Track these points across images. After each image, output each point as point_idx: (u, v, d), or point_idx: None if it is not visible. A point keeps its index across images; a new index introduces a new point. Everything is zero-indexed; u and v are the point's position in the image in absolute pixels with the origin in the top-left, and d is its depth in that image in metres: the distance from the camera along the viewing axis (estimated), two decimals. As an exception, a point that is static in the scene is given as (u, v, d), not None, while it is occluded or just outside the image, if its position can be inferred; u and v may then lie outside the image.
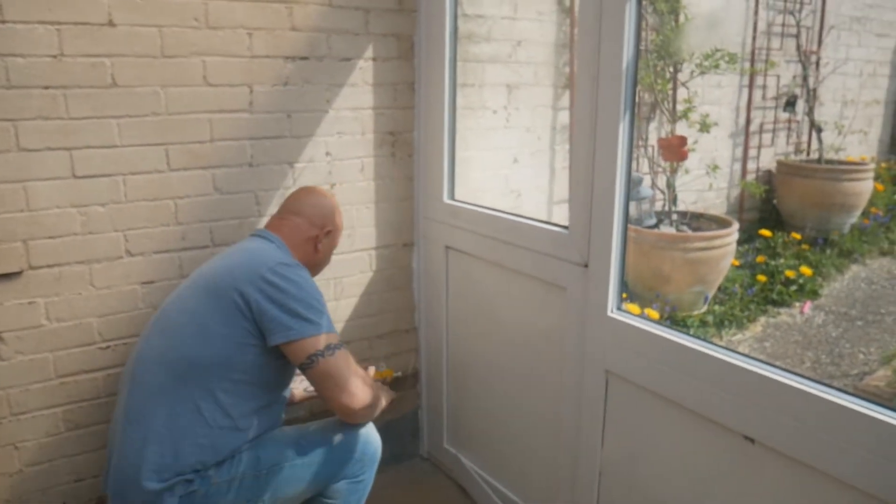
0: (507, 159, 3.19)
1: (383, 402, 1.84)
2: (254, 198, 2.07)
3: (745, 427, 1.38)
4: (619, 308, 1.68)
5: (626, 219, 1.65)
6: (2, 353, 1.80)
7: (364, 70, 2.22)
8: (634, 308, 1.75)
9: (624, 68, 1.56)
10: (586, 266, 1.71)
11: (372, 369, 2.10)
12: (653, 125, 4.40)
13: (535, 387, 2.01)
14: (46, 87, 1.75)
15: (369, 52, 2.22)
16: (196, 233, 2.00)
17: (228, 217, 2.04)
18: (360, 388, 1.67)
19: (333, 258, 2.23)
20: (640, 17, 1.60)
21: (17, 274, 1.78)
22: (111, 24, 1.80)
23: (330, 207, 1.88)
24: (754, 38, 4.99)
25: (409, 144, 2.36)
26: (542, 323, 1.94)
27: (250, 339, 1.61)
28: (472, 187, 2.93)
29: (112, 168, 1.85)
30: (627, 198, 1.63)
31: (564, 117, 3.50)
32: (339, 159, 2.22)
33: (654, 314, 3.29)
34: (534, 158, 3.35)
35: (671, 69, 4.23)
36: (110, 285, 1.91)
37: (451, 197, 2.29)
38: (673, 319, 3.61)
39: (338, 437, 1.75)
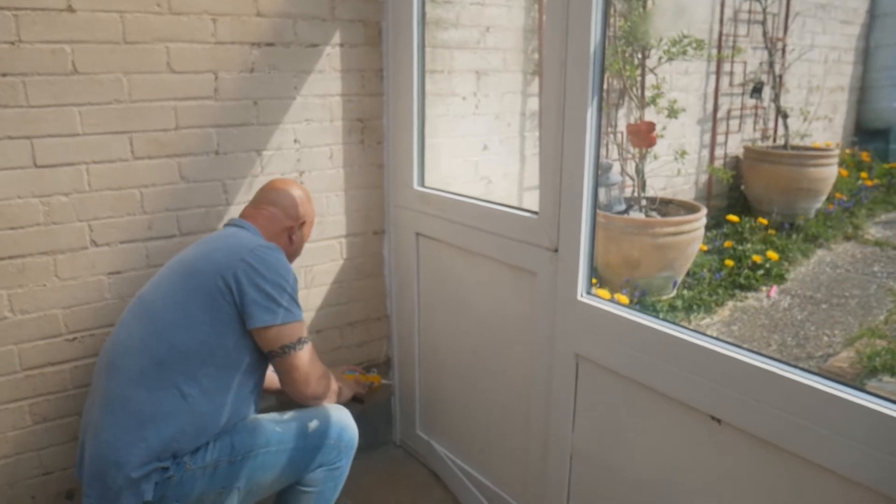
0: (477, 146, 3.19)
1: (338, 396, 1.89)
2: (221, 186, 2.05)
3: (712, 408, 1.40)
4: (588, 293, 1.70)
5: (595, 204, 1.66)
6: (-37, 347, 1.77)
7: (331, 56, 2.20)
8: (604, 293, 1.77)
9: (592, 53, 1.57)
10: (556, 251, 1.73)
11: (353, 374, 2.19)
12: (621, 111, 4.43)
13: (505, 372, 2.02)
14: (4, 75, 1.70)
15: (336, 38, 2.20)
16: (162, 222, 1.97)
17: (195, 206, 2.02)
18: (319, 380, 1.75)
19: (304, 246, 2.22)
20: (607, 2, 1.61)
21: (-22, 266, 1.75)
22: (70, 9, 1.76)
23: (304, 199, 1.91)
24: (721, 25, 5.05)
25: (378, 131, 2.34)
26: (512, 308, 1.95)
27: (232, 324, 1.62)
28: (443, 174, 2.93)
29: (75, 157, 1.82)
30: (596, 183, 1.65)
31: (534, 104, 3.50)
32: (308, 147, 2.20)
33: (624, 299, 3.33)
34: (503, 145, 3.35)
35: (639, 55, 4.26)
36: (75, 276, 1.87)
37: (421, 184, 2.28)
38: (642, 304, 3.66)
39: (313, 424, 1.76)
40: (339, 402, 1.89)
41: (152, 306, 1.66)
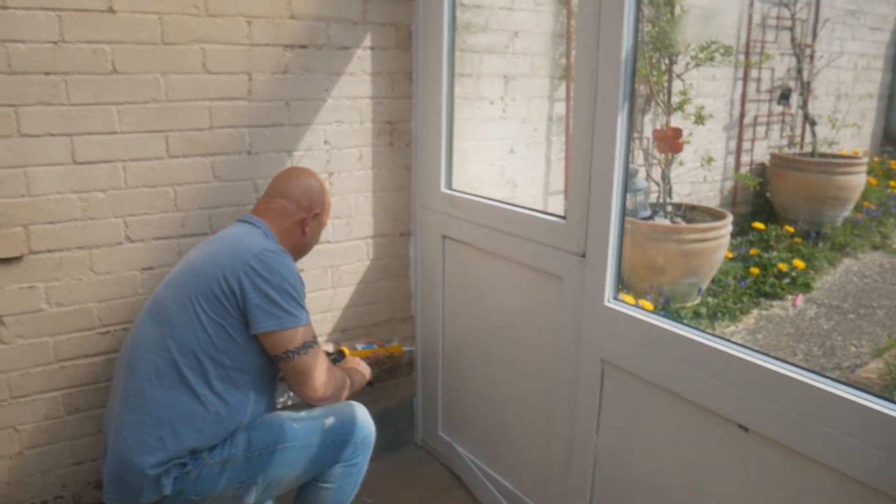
0: (504, 150, 3.21)
1: (350, 390, 1.89)
2: (252, 185, 2.08)
3: (739, 416, 1.40)
4: (615, 298, 1.70)
5: (624, 209, 1.67)
6: (2, 337, 1.81)
7: (362, 59, 2.22)
8: (629, 298, 1.76)
9: (623, 59, 1.58)
10: (583, 256, 1.73)
11: (359, 348, 2.18)
12: (648, 117, 4.42)
13: (530, 375, 2.03)
14: (47, 73, 1.75)
15: (367, 41, 2.22)
16: (195, 219, 2.01)
17: (227, 204, 2.05)
18: (324, 383, 1.75)
19: (330, 246, 2.25)
20: (639, 8, 1.61)
21: (18, 259, 1.79)
22: (111, 10, 1.80)
23: (317, 189, 1.89)
24: (749, 31, 5.01)
25: (406, 134, 2.37)
26: (537, 312, 1.96)
27: (239, 326, 1.65)
28: (469, 177, 2.94)
29: (112, 154, 1.86)
30: (625, 188, 1.65)
31: (561, 108, 3.51)
32: (338, 148, 2.23)
33: (648, 305, 3.32)
34: (530, 149, 3.37)
35: (666, 61, 4.25)
36: (110, 271, 1.92)
37: (449, 186, 2.30)
38: (666, 310, 3.64)
39: (329, 421, 1.78)
40: (353, 391, 1.90)
41: (163, 307, 1.68)
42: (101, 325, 1.94)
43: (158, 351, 1.64)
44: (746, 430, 1.39)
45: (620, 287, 1.75)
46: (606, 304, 1.70)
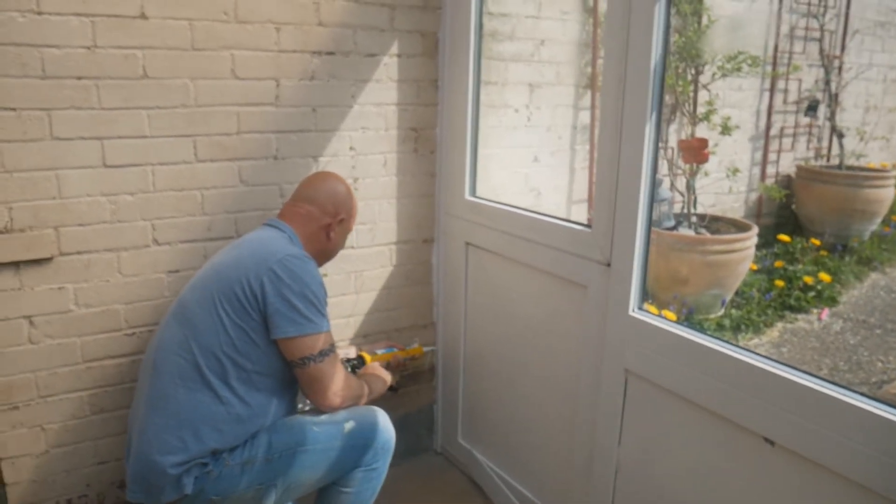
0: (528, 158, 3.20)
1: (366, 398, 1.89)
2: (278, 190, 2.10)
3: (765, 429, 1.38)
4: (640, 308, 1.69)
5: (651, 219, 1.65)
6: (31, 337, 1.84)
7: (389, 66, 2.23)
8: (652, 309, 1.75)
9: (652, 69, 1.57)
10: (608, 265, 1.72)
11: (379, 352, 2.17)
12: (672, 127, 4.39)
13: (552, 383, 2.02)
14: (80, 78, 1.78)
15: (394, 49, 2.23)
16: (221, 223, 2.03)
17: (253, 209, 2.07)
18: (339, 392, 1.76)
19: (354, 252, 2.26)
20: (668, 18, 1.61)
21: (48, 260, 1.82)
22: (143, 16, 1.83)
23: (344, 194, 1.89)
24: (777, 41, 4.96)
25: (431, 141, 2.37)
26: (560, 320, 1.95)
27: (260, 330, 1.66)
28: (492, 185, 2.94)
29: (141, 158, 1.88)
30: (652, 198, 1.64)
31: (585, 117, 3.50)
32: (363, 154, 2.24)
33: (671, 316, 3.28)
34: (554, 158, 3.36)
35: (693, 71, 4.22)
36: (137, 273, 1.94)
37: (473, 194, 2.30)
38: (689, 322, 3.60)
39: (349, 426, 1.79)
40: (372, 398, 1.91)
41: (187, 309, 1.70)
42: (128, 327, 1.96)
43: (182, 353, 1.65)
44: (773, 443, 1.37)
45: (644, 297, 1.73)
46: (631, 313, 1.69)
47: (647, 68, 1.57)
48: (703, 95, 4.29)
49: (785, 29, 5.00)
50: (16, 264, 1.78)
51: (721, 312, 3.81)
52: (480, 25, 2.25)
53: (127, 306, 1.95)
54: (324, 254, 1.90)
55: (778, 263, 4.38)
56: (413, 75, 2.29)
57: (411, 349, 2.27)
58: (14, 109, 1.72)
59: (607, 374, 1.76)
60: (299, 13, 2.03)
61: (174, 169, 1.93)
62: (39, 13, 1.71)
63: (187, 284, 1.79)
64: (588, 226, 1.81)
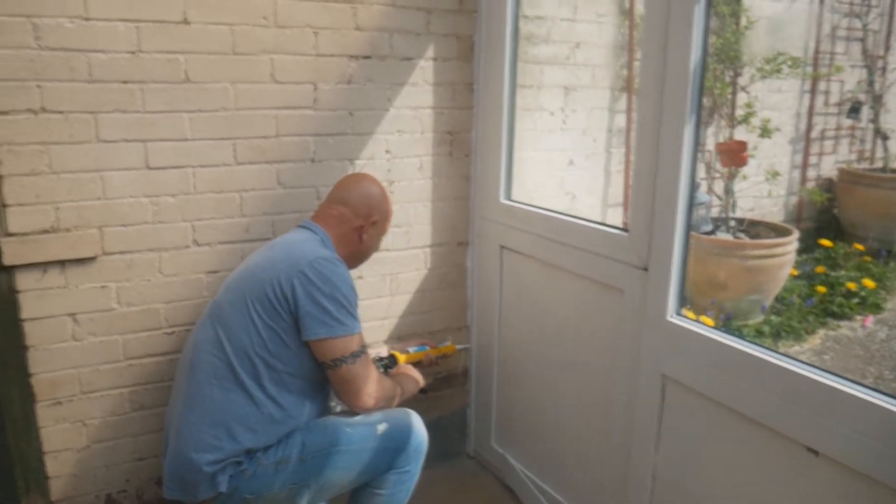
0: (563, 161, 3.19)
1: (399, 399, 1.90)
2: (315, 193, 2.12)
3: (808, 438, 1.35)
4: (678, 313, 1.67)
5: (689, 223, 1.63)
6: (75, 334, 1.88)
7: (424, 69, 2.24)
8: (689, 314, 1.72)
9: (691, 71, 1.55)
10: (646, 269, 1.70)
11: (409, 351, 2.17)
12: (710, 129, 4.33)
13: (587, 388, 2.00)
14: (125, 82, 1.82)
15: (430, 52, 2.24)
16: (259, 225, 2.05)
17: (290, 211, 2.09)
18: (372, 394, 1.76)
19: (389, 254, 2.27)
20: (708, 20, 1.59)
21: (92, 259, 1.86)
22: (186, 21, 1.87)
23: (377, 196, 1.89)
24: (818, 42, 4.86)
25: (466, 144, 2.37)
26: (596, 325, 1.93)
27: (292, 332, 1.68)
28: (527, 188, 2.93)
29: (183, 160, 1.92)
30: (691, 202, 1.62)
31: (621, 120, 3.47)
32: (399, 157, 2.25)
33: (709, 321, 3.23)
34: (589, 161, 3.33)
35: (731, 73, 4.16)
36: (177, 273, 1.98)
37: (508, 197, 2.29)
38: (728, 328, 3.55)
39: (382, 427, 1.79)
40: (405, 399, 1.92)
41: (222, 309, 1.73)
42: (168, 326, 2.00)
43: (216, 352, 1.68)
44: (816, 453, 1.34)
45: (682, 302, 1.71)
46: (669, 318, 1.67)
47: (686, 71, 1.56)
48: (741, 97, 4.22)
49: (826, 29, 4.89)
50: (61, 263, 1.83)
51: (760, 319, 3.73)
52: (516, 29, 2.25)
53: (167, 305, 1.98)
54: (357, 256, 1.90)
55: (819, 269, 4.29)
56: (448, 78, 2.29)
57: (443, 347, 2.25)
58: (62, 112, 1.77)
59: (644, 379, 1.74)
60: (337, 18, 2.05)
61: (214, 171, 1.97)
62: (87, 19, 1.76)
63: (222, 285, 1.82)
64: (625, 230, 1.79)
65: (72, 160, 1.80)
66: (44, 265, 1.81)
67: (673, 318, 1.66)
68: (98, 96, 1.80)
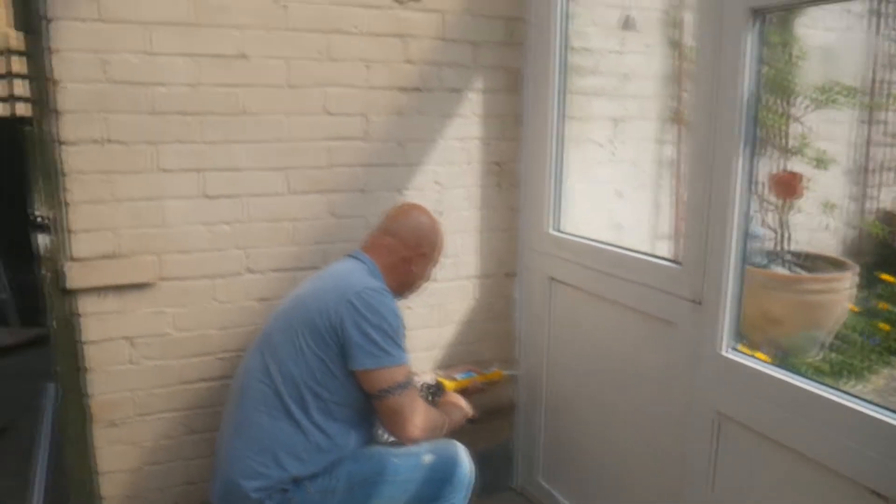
0: (611, 192, 3.16)
1: (447, 428, 1.88)
2: (365, 222, 2.15)
3: (874, 482, 1.29)
4: (733, 348, 1.62)
5: (744, 255, 1.60)
6: (131, 358, 1.94)
7: (473, 101, 2.27)
8: (743, 349, 1.68)
9: (743, 102, 1.54)
10: (699, 303, 1.67)
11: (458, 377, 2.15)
12: (762, 160, 4.25)
13: (638, 424, 1.95)
14: (184, 114, 1.89)
15: (478, 84, 2.27)
16: (310, 254, 2.09)
17: (340, 240, 2.12)
18: (418, 425, 1.75)
19: (437, 285, 2.27)
20: (760, 50, 1.57)
21: (150, 284, 1.92)
22: (244, 56, 1.93)
23: (427, 227, 1.90)
24: (874, 72, 4.74)
25: (514, 175, 2.38)
26: (647, 358, 1.90)
27: (337, 361, 1.69)
28: (575, 219, 2.91)
29: (238, 189, 1.97)
30: (745, 234, 1.59)
31: (670, 151, 3.43)
32: (447, 188, 2.27)
33: (763, 357, 3.13)
34: (637, 192, 3.30)
35: (783, 103, 4.08)
36: (231, 300, 2.02)
37: (556, 228, 2.29)
38: (783, 364, 3.43)
39: (428, 458, 1.79)
40: (451, 428, 1.90)
41: (271, 338, 1.75)
42: (220, 351, 2.03)
43: (265, 380, 1.71)
44: (886, 499, 1.28)
45: (737, 337, 1.67)
46: (723, 353, 1.62)
47: (738, 101, 1.54)
48: (794, 128, 4.14)
49: (883, 58, 4.78)
50: (121, 288, 1.89)
51: (818, 356, 3.60)
52: (564, 61, 2.26)
53: (220, 331, 2.02)
54: (405, 286, 1.91)
55: (882, 305, 4.12)
56: (496, 110, 2.31)
57: (490, 373, 2.23)
58: (125, 143, 1.84)
59: (698, 415, 1.70)
60: (388, 51, 2.10)
61: (268, 200, 2.01)
62: (151, 54, 1.84)
63: (272, 313, 1.84)
64: (677, 262, 1.77)
65: (133, 188, 1.86)
66: (104, 289, 1.87)
67: (728, 353, 1.62)
68: (159, 127, 1.87)
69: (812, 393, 1.40)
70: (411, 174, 2.20)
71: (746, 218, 1.62)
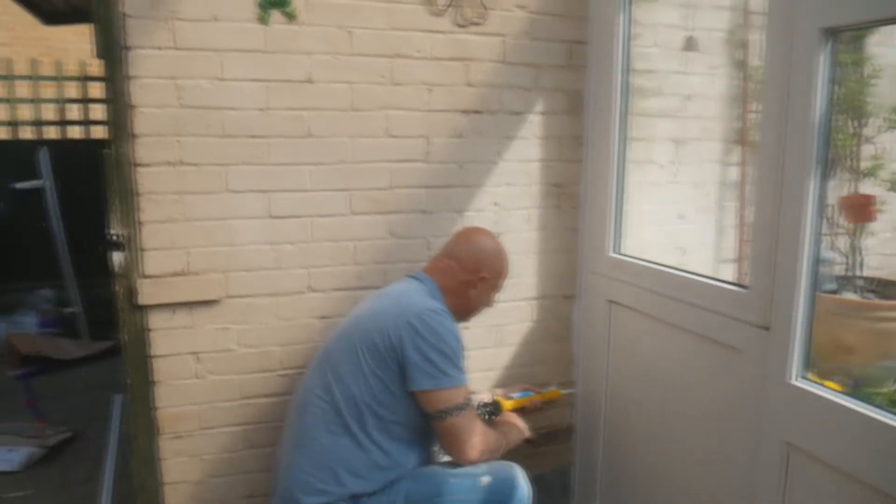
0: (673, 215, 3.11)
1: (503, 450, 1.87)
2: (425, 243, 2.17)
3: (959, 522, 1.22)
4: (803, 376, 1.57)
5: (815, 281, 1.55)
6: (198, 372, 1.99)
7: (533, 123, 2.27)
8: (814, 377, 1.62)
9: (816, 123, 1.50)
10: (767, 329, 1.62)
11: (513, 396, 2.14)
12: (832, 183, 4.10)
13: (702, 452, 1.90)
14: (253, 137, 1.96)
15: (539, 107, 2.28)
16: (371, 274, 2.12)
17: (400, 260, 2.15)
18: (476, 447, 1.75)
19: (495, 306, 2.26)
20: (833, 70, 1.53)
21: (217, 302, 1.98)
22: (310, 80, 1.99)
23: (489, 252, 1.90)
24: (955, 92, 4.54)
25: (574, 197, 2.37)
26: (712, 386, 1.84)
27: (396, 381, 1.70)
28: (636, 242, 2.87)
29: (302, 210, 2.03)
30: (817, 259, 1.54)
31: (734, 173, 3.35)
32: (506, 209, 2.27)
33: (835, 386, 3.00)
34: (700, 215, 3.23)
35: (855, 124, 3.95)
36: (292, 318, 2.06)
37: (617, 251, 2.26)
38: (856, 394, 3.28)
39: (485, 480, 1.77)
40: (509, 448, 1.89)
41: (332, 356, 1.78)
42: (281, 368, 2.08)
43: (326, 397, 1.73)
44: (971, 540, 1.20)
45: (808, 365, 1.61)
46: (792, 382, 1.57)
47: (810, 122, 1.50)
48: (866, 149, 3.99)
49: (963, 78, 4.57)
50: (189, 304, 1.96)
51: (894, 386, 3.43)
52: (626, 82, 2.25)
53: (282, 348, 2.07)
54: (465, 310, 1.91)
55: (962, 335, 3.91)
56: (557, 132, 2.31)
57: (548, 392, 2.20)
58: (197, 164, 1.92)
59: (766, 446, 1.64)
60: (450, 75, 2.13)
61: (331, 220, 2.06)
62: (222, 80, 1.91)
63: (333, 331, 1.87)
64: (743, 286, 1.72)
65: (203, 208, 1.93)
66: (174, 306, 1.94)
67: (797, 382, 1.56)
68: (229, 150, 1.94)
69: (888, 425, 1.34)
70: (471, 195, 2.22)
71: (818, 241, 1.56)
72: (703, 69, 3.18)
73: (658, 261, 2.12)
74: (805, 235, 1.53)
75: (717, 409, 1.82)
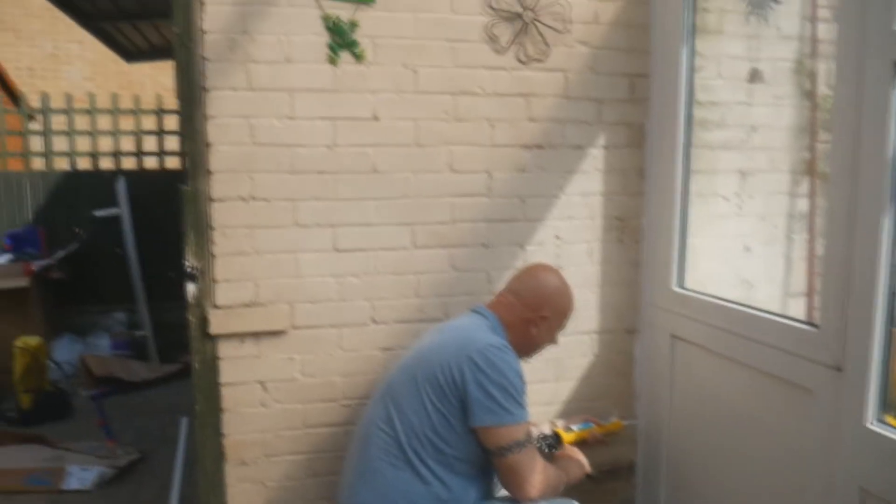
0: (738, 248, 3.04)
1: (566, 483, 1.85)
2: (486, 277, 2.19)
3: None
4: (880, 420, 1.51)
5: (891, 317, 1.49)
6: (263, 401, 2.05)
7: (595, 157, 2.28)
8: (891, 420, 1.54)
9: (889, 156, 1.46)
10: (839, 369, 1.57)
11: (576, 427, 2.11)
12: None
13: (769, 496, 1.83)
14: (321, 173, 2.02)
15: (601, 140, 2.28)
16: (432, 307, 2.15)
17: (461, 293, 2.17)
18: (537, 485, 1.72)
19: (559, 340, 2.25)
20: (907, 102, 1.49)
21: (283, 332, 2.04)
22: (375, 118, 2.05)
23: (552, 291, 1.89)
24: None
25: (636, 230, 2.35)
26: (780, 427, 1.79)
27: (458, 416, 1.70)
28: (700, 276, 2.82)
29: (367, 244, 2.08)
30: (893, 293, 1.48)
31: (803, 205, 3.26)
32: (568, 243, 2.27)
33: (915, 430, 2.86)
34: (767, 248, 3.15)
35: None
36: (356, 349, 2.10)
37: (681, 285, 2.23)
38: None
39: None
40: (570, 484, 1.86)
41: (394, 389, 1.79)
42: (344, 398, 2.11)
43: (388, 430, 1.74)
44: None
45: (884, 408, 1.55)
46: (868, 425, 1.51)
47: (884, 155, 1.46)
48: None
49: None
50: (257, 334, 2.02)
51: (979, 431, 3.23)
52: (690, 115, 2.23)
53: (344, 379, 2.11)
54: (526, 347, 1.89)
55: None
56: (619, 165, 2.31)
57: (609, 424, 2.15)
58: (267, 200, 1.99)
59: (839, 493, 1.57)
60: (512, 110, 2.16)
61: (394, 254, 2.10)
62: (292, 118, 1.99)
63: (395, 364, 1.90)
64: (813, 324, 1.67)
65: (272, 242, 2.00)
66: (242, 335, 2.01)
67: (873, 426, 1.50)
68: (297, 185, 2.01)
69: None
70: (532, 229, 2.23)
71: (893, 276, 1.51)
72: (769, 99, 3.12)
73: (724, 295, 2.08)
74: (880, 270, 1.49)
75: (786, 452, 1.76)
